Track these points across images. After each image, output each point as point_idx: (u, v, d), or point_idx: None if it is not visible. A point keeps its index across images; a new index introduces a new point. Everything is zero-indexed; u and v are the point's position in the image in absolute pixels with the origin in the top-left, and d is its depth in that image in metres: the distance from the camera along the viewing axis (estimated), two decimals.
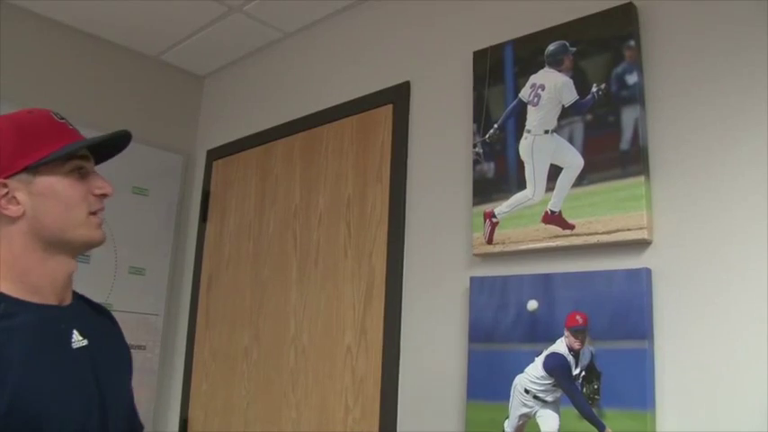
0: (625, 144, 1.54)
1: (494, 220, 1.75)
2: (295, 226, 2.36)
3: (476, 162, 1.82)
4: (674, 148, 1.51)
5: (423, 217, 1.98)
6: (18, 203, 1.09)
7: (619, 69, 1.59)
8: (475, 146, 1.83)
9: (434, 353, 1.85)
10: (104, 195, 1.17)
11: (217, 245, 2.68)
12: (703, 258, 1.43)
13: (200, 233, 2.78)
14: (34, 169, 1.10)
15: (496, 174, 1.77)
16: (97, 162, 1.23)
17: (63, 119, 1.18)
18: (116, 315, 2.25)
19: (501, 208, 1.74)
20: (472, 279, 1.76)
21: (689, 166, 1.48)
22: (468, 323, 1.74)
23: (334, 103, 2.33)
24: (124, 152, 2.68)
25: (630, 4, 1.60)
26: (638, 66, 1.57)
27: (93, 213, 1.16)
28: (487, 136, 1.80)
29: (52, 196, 1.11)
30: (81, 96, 2.64)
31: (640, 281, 1.48)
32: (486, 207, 1.77)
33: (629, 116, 1.55)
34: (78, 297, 1.25)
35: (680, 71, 1.54)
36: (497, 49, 1.84)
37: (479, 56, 1.88)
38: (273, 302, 2.36)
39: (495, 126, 1.79)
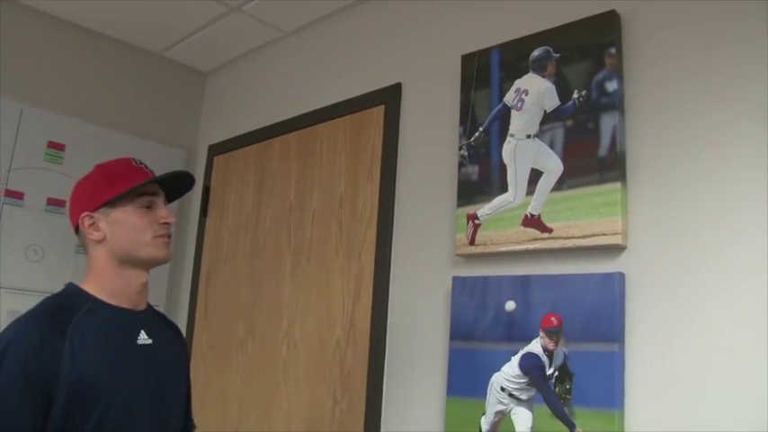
0: (603, 150, 1.58)
1: (476, 221, 1.79)
2: (290, 222, 2.41)
3: (461, 164, 1.86)
4: (651, 155, 1.54)
5: (410, 217, 2.03)
6: (100, 230, 1.40)
7: (599, 76, 1.62)
8: (460, 148, 1.86)
9: (418, 349, 1.90)
10: (167, 223, 1.43)
11: (216, 239, 2.75)
12: (676, 264, 1.46)
13: (201, 227, 2.84)
14: (111, 203, 1.40)
15: (480, 176, 1.81)
16: (170, 199, 1.50)
17: (141, 164, 1.47)
18: None
19: (483, 210, 1.78)
20: (455, 279, 1.80)
21: (665, 173, 1.52)
22: (449, 321, 1.79)
23: (328, 103, 2.38)
24: (127, 147, 2.80)
25: (614, 11, 1.63)
26: (618, 73, 1.60)
27: (159, 237, 1.42)
28: (473, 139, 1.84)
29: (124, 224, 1.40)
30: (86, 93, 2.71)
31: (614, 285, 1.51)
32: (470, 209, 1.81)
33: (607, 123, 1.58)
34: (152, 308, 1.53)
35: (659, 79, 1.56)
36: (484, 53, 1.87)
37: (467, 59, 1.92)
38: (268, 297, 2.42)
39: (481, 129, 1.83)
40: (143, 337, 1.41)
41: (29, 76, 2.57)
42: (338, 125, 2.32)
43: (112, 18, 2.65)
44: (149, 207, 1.42)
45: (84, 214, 1.40)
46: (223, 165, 2.82)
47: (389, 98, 2.16)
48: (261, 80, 2.77)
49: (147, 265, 1.43)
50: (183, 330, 2.79)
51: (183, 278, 2.89)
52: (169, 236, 1.44)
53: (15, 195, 2.50)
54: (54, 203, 2.56)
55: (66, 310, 1.33)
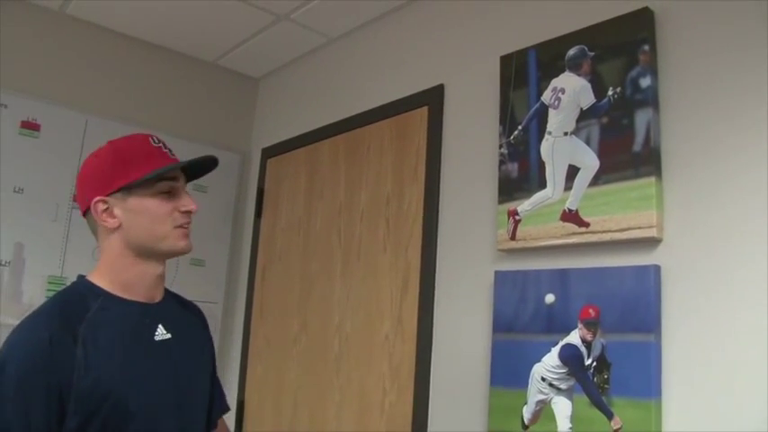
0: (638, 146, 1.61)
1: (517, 217, 1.84)
2: (339, 222, 2.51)
3: (501, 162, 1.92)
4: (685, 149, 1.57)
5: (454, 214, 2.09)
6: (114, 217, 1.28)
7: (633, 73, 1.65)
8: (500, 147, 1.92)
9: (462, 341, 1.97)
10: (189, 212, 1.33)
11: (270, 239, 2.87)
12: (710, 257, 1.49)
13: (255, 228, 2.97)
14: (128, 189, 1.28)
15: (520, 173, 1.86)
16: (189, 179, 1.41)
17: (159, 143, 1.35)
18: None
19: (523, 206, 1.83)
20: (497, 273, 1.86)
21: (699, 167, 1.54)
22: (492, 314, 1.85)
23: (374, 105, 2.46)
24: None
25: (646, 8, 1.66)
26: (652, 69, 1.63)
27: (179, 227, 1.32)
28: (512, 137, 1.90)
29: (142, 212, 1.29)
30: (146, 102, 2.87)
31: (650, 277, 1.55)
32: (510, 205, 1.86)
33: (642, 119, 1.62)
34: (169, 294, 1.44)
35: (692, 75, 1.59)
36: (522, 53, 1.92)
37: (506, 60, 1.97)
38: (320, 294, 2.52)
39: (520, 128, 1.88)
40: (161, 333, 1.32)
41: (91, 88, 2.74)
42: (384, 127, 2.40)
43: (168, 31, 2.80)
44: (169, 193, 1.31)
45: (96, 198, 1.28)
46: (275, 167, 2.94)
47: (432, 99, 2.23)
48: (309, 85, 2.88)
49: (164, 256, 1.34)
50: (240, 327, 2.93)
51: (239, 277, 3.02)
52: (189, 225, 1.34)
53: None
54: None
55: (77, 308, 1.24)
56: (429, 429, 2.00)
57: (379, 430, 2.15)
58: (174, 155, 1.37)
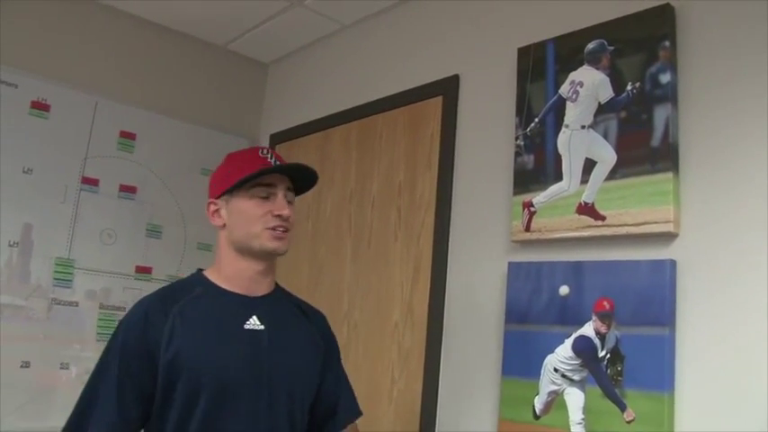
0: (656, 141, 1.62)
1: (532, 209, 1.85)
2: (350, 209, 2.52)
3: (517, 154, 1.92)
4: (703, 146, 1.58)
5: (467, 204, 2.10)
6: (221, 217, 1.48)
7: (653, 69, 1.66)
8: (517, 138, 1.93)
9: (474, 331, 1.98)
10: (279, 216, 1.43)
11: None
12: (726, 252, 1.51)
13: None
14: (231, 192, 1.45)
15: (535, 165, 1.87)
16: (298, 192, 1.55)
17: (267, 153, 1.50)
18: None
19: (539, 198, 1.84)
20: (510, 264, 1.88)
21: (716, 164, 1.56)
22: (504, 305, 1.87)
23: (387, 94, 2.46)
24: (193, 136, 2.93)
25: (668, 4, 1.67)
26: (672, 65, 1.64)
27: (271, 228, 1.43)
28: (528, 129, 1.91)
29: (240, 213, 1.45)
30: (155, 85, 2.86)
31: (665, 271, 1.57)
32: (525, 197, 1.87)
33: (660, 114, 1.63)
34: (283, 295, 1.58)
35: (712, 71, 1.60)
36: (540, 46, 1.93)
37: (523, 52, 1.97)
38: (329, 280, 2.54)
39: (536, 120, 1.89)
40: (253, 322, 1.43)
41: (102, 70, 2.73)
42: (397, 115, 2.40)
43: (179, 13, 2.78)
44: (267, 198, 1.44)
45: (209, 201, 1.50)
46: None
47: (447, 89, 2.23)
48: (321, 71, 2.88)
49: (259, 255, 1.45)
50: None
51: None
52: (285, 229, 1.45)
53: (91, 182, 2.66)
54: (126, 190, 2.72)
55: (180, 292, 1.44)
56: (438, 417, 2.02)
57: (388, 417, 2.17)
58: (277, 164, 1.48)
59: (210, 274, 1.49)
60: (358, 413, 1.65)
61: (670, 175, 1.59)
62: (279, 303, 1.54)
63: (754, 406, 1.40)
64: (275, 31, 2.84)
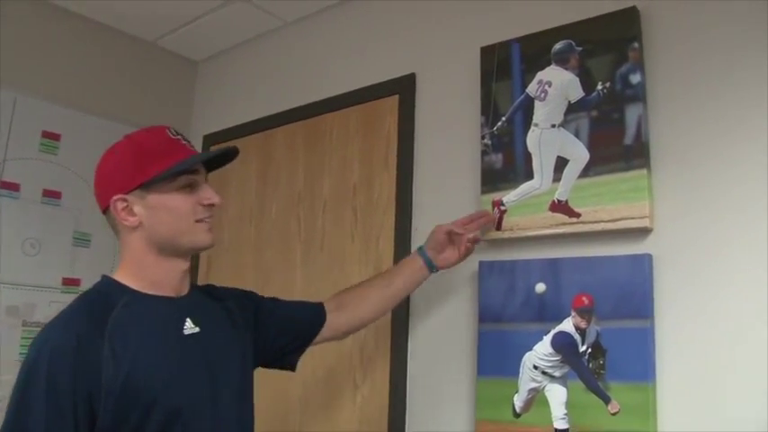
0: (629, 139, 1.67)
1: (502, 207, 1.86)
2: (299, 211, 2.44)
3: (484, 153, 1.92)
4: (674, 143, 1.64)
5: (430, 204, 2.08)
6: (135, 215, 1.27)
7: (623, 69, 1.70)
8: (483, 137, 1.93)
9: (444, 332, 1.96)
10: (212, 205, 1.30)
11: (216, 229, 2.71)
12: (701, 245, 1.57)
13: None
14: (147, 185, 1.26)
15: (504, 164, 1.88)
16: (209, 170, 1.39)
17: (178, 135, 1.33)
18: None
19: (509, 197, 1.85)
20: (481, 263, 1.87)
21: (688, 159, 1.62)
22: (477, 304, 1.86)
23: (337, 92, 2.40)
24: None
25: (634, 7, 1.72)
26: (640, 66, 1.69)
27: (201, 221, 1.30)
28: (496, 128, 1.91)
29: (163, 209, 1.27)
30: (80, 81, 2.67)
31: (642, 265, 1.61)
32: (495, 195, 1.87)
33: (632, 113, 1.67)
34: (197, 288, 1.45)
35: (680, 71, 1.66)
36: (505, 45, 1.94)
37: (487, 52, 1.98)
38: (278, 286, 2.44)
39: (504, 119, 1.90)
40: (189, 326, 1.31)
41: (23, 64, 2.50)
42: (349, 114, 2.35)
43: (107, 6, 2.60)
44: (190, 186, 1.29)
45: (116, 197, 1.27)
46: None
47: (403, 88, 2.21)
48: (260, 70, 2.78)
49: (187, 252, 1.33)
50: None
51: None
52: (212, 219, 1.33)
53: (11, 187, 2.44)
54: (50, 195, 2.52)
55: (102, 306, 1.23)
56: (408, 421, 1.99)
57: (352, 424, 2.11)
58: (192, 146, 1.34)
59: (126, 280, 1.29)
60: (320, 307, 1.67)
61: (644, 171, 1.63)
62: (200, 300, 1.41)
63: (733, 391, 1.46)
64: (210, 27, 2.72)
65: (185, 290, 1.36)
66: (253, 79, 2.80)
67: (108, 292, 1.28)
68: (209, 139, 2.88)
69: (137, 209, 1.27)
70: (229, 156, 1.42)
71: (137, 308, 1.25)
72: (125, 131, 2.71)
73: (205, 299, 1.44)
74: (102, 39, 2.75)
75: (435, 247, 1.76)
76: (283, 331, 1.60)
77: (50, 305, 2.45)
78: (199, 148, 2.91)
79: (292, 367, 1.67)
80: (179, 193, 1.28)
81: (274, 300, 1.66)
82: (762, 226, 1.48)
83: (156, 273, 1.30)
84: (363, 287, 1.76)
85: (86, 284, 2.53)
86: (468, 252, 1.77)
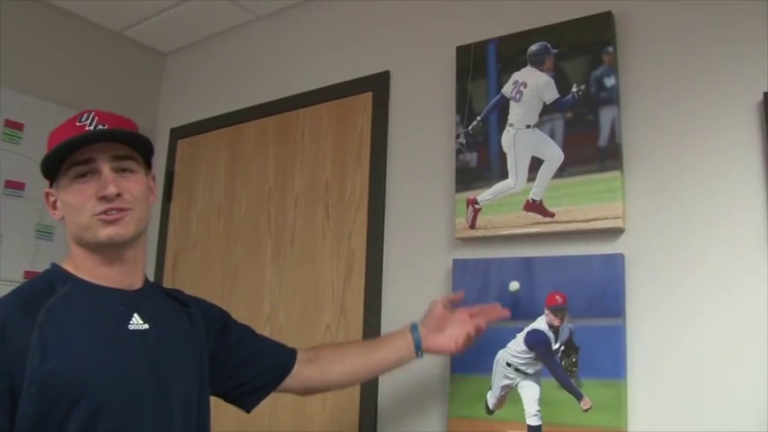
0: (603, 141, 1.70)
1: (476, 206, 1.87)
2: (269, 207, 2.42)
3: (458, 152, 1.94)
4: (646, 145, 1.68)
5: (404, 201, 2.09)
6: (57, 209, 1.24)
7: (597, 72, 1.74)
8: (458, 136, 1.94)
9: None
10: (104, 198, 1.18)
11: (183, 225, 2.70)
12: (671, 245, 1.61)
13: (164, 212, 2.78)
14: (54, 179, 1.22)
15: (479, 163, 1.90)
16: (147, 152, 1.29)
17: (87, 119, 1.22)
18: None
19: (483, 195, 1.87)
20: (455, 261, 1.89)
21: (659, 162, 1.66)
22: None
23: (310, 88, 2.39)
24: None
25: (609, 12, 1.75)
26: (615, 70, 1.72)
27: (98, 214, 1.19)
28: (470, 127, 1.92)
29: (66, 204, 1.22)
30: (40, 68, 2.58)
31: (615, 265, 1.64)
32: (469, 194, 1.89)
33: (606, 116, 1.71)
34: (156, 286, 1.40)
35: (652, 76, 1.70)
36: (481, 45, 1.95)
37: (462, 51, 1.99)
38: (246, 282, 2.42)
39: (479, 118, 1.91)
40: (136, 322, 1.22)
41: None
42: (321, 110, 2.34)
43: None
44: (84, 177, 1.19)
45: (46, 190, 1.25)
46: (189, 148, 2.77)
47: (377, 85, 2.21)
48: (230, 63, 2.74)
49: (100, 247, 1.21)
50: None
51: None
52: (120, 209, 1.19)
53: None
54: (13, 186, 2.44)
55: (40, 293, 1.16)
56: (378, 420, 1.99)
57: (321, 423, 2.10)
58: (104, 128, 1.21)
59: (71, 268, 1.23)
60: (292, 353, 1.53)
61: (618, 173, 1.67)
62: (155, 297, 1.33)
63: (701, 387, 1.51)
64: (179, 18, 2.67)
65: (137, 284, 1.28)
66: (223, 73, 2.76)
67: (52, 279, 1.21)
68: (177, 133, 2.84)
69: (59, 203, 1.24)
70: (125, 137, 1.23)
71: (78, 297, 1.19)
72: None
73: (163, 298, 1.37)
74: (68, 27, 2.68)
75: (430, 325, 1.60)
76: (245, 365, 1.47)
77: None
78: (165, 141, 2.87)
79: (247, 410, 1.54)
80: (73, 187, 1.20)
81: (248, 329, 1.55)
82: (730, 226, 1.53)
83: (89, 264, 1.23)
84: (342, 348, 1.66)
85: None
86: (468, 342, 1.58)
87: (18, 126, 2.47)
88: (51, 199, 1.25)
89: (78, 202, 1.19)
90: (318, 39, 2.45)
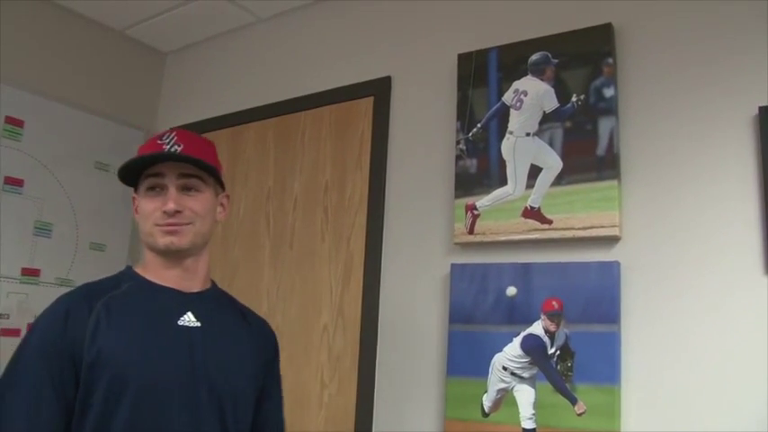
0: (601, 150, 1.73)
1: (475, 212, 1.90)
2: (268, 209, 2.44)
3: (458, 158, 1.97)
4: (643, 155, 1.72)
5: (403, 205, 2.12)
6: (138, 213, 1.37)
7: (597, 83, 1.77)
8: (458, 142, 1.97)
9: (414, 332, 2.00)
10: (165, 212, 1.31)
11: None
12: (667, 254, 1.64)
13: None
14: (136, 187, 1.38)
15: (479, 170, 1.92)
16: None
17: (167, 138, 1.35)
18: None
19: (482, 201, 1.90)
20: (453, 265, 1.91)
21: (656, 172, 1.69)
22: (448, 305, 1.90)
23: (311, 91, 2.41)
24: (87, 126, 2.74)
25: (609, 24, 1.79)
26: (614, 81, 1.76)
27: (158, 225, 1.32)
28: (471, 134, 1.95)
29: (139, 210, 1.36)
30: (42, 65, 2.59)
31: (611, 272, 1.67)
32: (468, 200, 1.92)
33: (605, 126, 1.74)
34: (220, 294, 1.49)
35: (650, 87, 1.74)
36: (482, 53, 1.98)
37: (464, 58, 2.02)
38: (244, 283, 2.44)
39: (479, 125, 1.94)
40: (188, 319, 1.33)
41: None
42: (323, 114, 2.36)
43: None
44: (153, 189, 1.33)
45: (132, 195, 1.39)
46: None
47: (378, 90, 2.23)
48: (231, 64, 2.76)
49: (162, 252, 1.34)
50: None
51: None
52: (178, 224, 1.31)
53: None
54: (12, 183, 2.44)
55: (105, 287, 1.32)
56: (375, 420, 2.01)
57: (318, 422, 2.12)
58: (177, 150, 1.33)
59: (140, 269, 1.39)
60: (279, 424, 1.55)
61: (615, 182, 1.70)
62: (217, 303, 1.45)
63: (694, 393, 1.54)
64: (181, 19, 2.69)
65: (197, 288, 1.40)
66: (223, 74, 2.78)
67: (119, 277, 1.38)
68: None
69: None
70: (189, 160, 1.34)
71: (137, 293, 1.33)
72: (90, 120, 2.71)
73: (225, 305, 1.47)
74: (70, 26, 2.69)
75: None
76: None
77: (8, 296, 2.38)
78: None
79: None
80: (145, 196, 1.34)
81: (278, 385, 1.56)
82: (725, 236, 1.57)
83: (153, 266, 1.37)
84: None
85: (46, 275, 2.50)
86: None
87: (18, 123, 2.48)
88: (135, 203, 1.38)
89: (147, 210, 1.33)
90: (320, 42, 2.47)
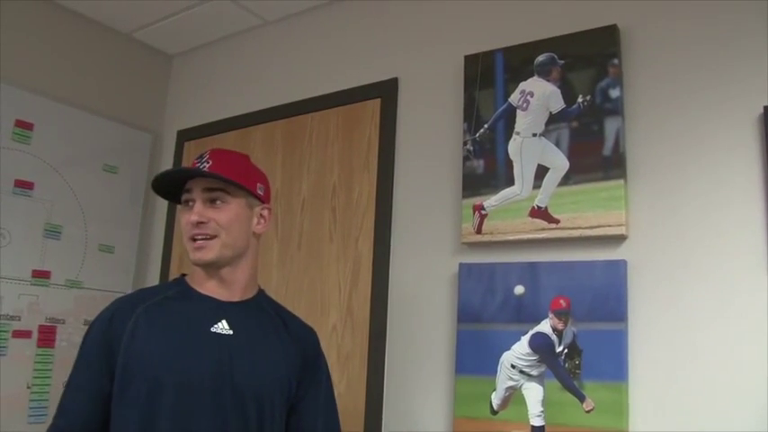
0: (607, 150, 1.75)
1: (483, 212, 1.92)
2: (276, 210, 2.46)
3: (466, 158, 1.99)
4: (649, 155, 1.74)
5: (411, 206, 2.14)
6: None
7: (603, 84, 1.79)
8: (465, 143, 1.99)
9: (423, 332, 2.01)
10: (191, 224, 1.39)
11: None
12: (673, 253, 1.66)
13: (171, 213, 2.82)
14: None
15: (486, 170, 1.94)
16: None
17: (204, 156, 1.42)
18: (85, 292, 2.42)
19: (490, 201, 1.92)
20: (461, 265, 1.93)
21: (662, 172, 1.71)
22: (456, 305, 1.92)
23: (318, 93, 2.44)
24: (96, 129, 2.77)
25: (614, 25, 1.81)
26: (619, 81, 1.77)
27: (190, 239, 1.41)
28: (478, 135, 1.97)
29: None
30: (51, 68, 2.62)
31: (618, 271, 1.69)
32: (476, 200, 1.94)
33: (611, 126, 1.76)
34: (264, 302, 1.53)
35: (656, 88, 1.76)
36: (488, 55, 2.00)
37: (471, 60, 2.04)
38: None
39: (486, 126, 1.97)
40: (222, 327, 1.40)
41: None
42: (330, 115, 2.38)
43: None
44: (187, 204, 1.43)
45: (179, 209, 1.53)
46: (196, 151, 2.80)
47: (385, 92, 2.26)
48: (238, 67, 2.78)
49: (198, 266, 1.43)
50: None
51: (150, 263, 2.86)
52: (205, 237, 1.38)
53: None
54: (22, 185, 2.46)
55: (150, 294, 1.45)
56: (384, 418, 2.03)
57: None
58: (206, 167, 1.40)
59: (189, 278, 1.49)
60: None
61: (621, 182, 1.72)
62: (256, 311, 1.50)
63: (700, 391, 1.56)
64: (188, 22, 2.71)
65: (237, 297, 1.46)
66: (230, 76, 2.81)
67: (168, 284, 1.53)
68: (184, 135, 2.87)
69: None
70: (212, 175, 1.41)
71: (179, 299, 1.43)
72: (98, 122, 2.73)
73: (266, 313, 1.51)
74: (78, 29, 2.71)
75: None
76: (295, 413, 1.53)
77: (20, 298, 2.40)
78: (172, 143, 2.91)
79: None
80: (182, 211, 1.45)
81: (324, 393, 1.59)
82: (730, 235, 1.59)
83: (197, 276, 1.46)
84: None
85: (56, 277, 2.52)
86: None
87: (28, 126, 2.50)
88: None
89: (182, 224, 1.44)
90: (328, 45, 2.50)
